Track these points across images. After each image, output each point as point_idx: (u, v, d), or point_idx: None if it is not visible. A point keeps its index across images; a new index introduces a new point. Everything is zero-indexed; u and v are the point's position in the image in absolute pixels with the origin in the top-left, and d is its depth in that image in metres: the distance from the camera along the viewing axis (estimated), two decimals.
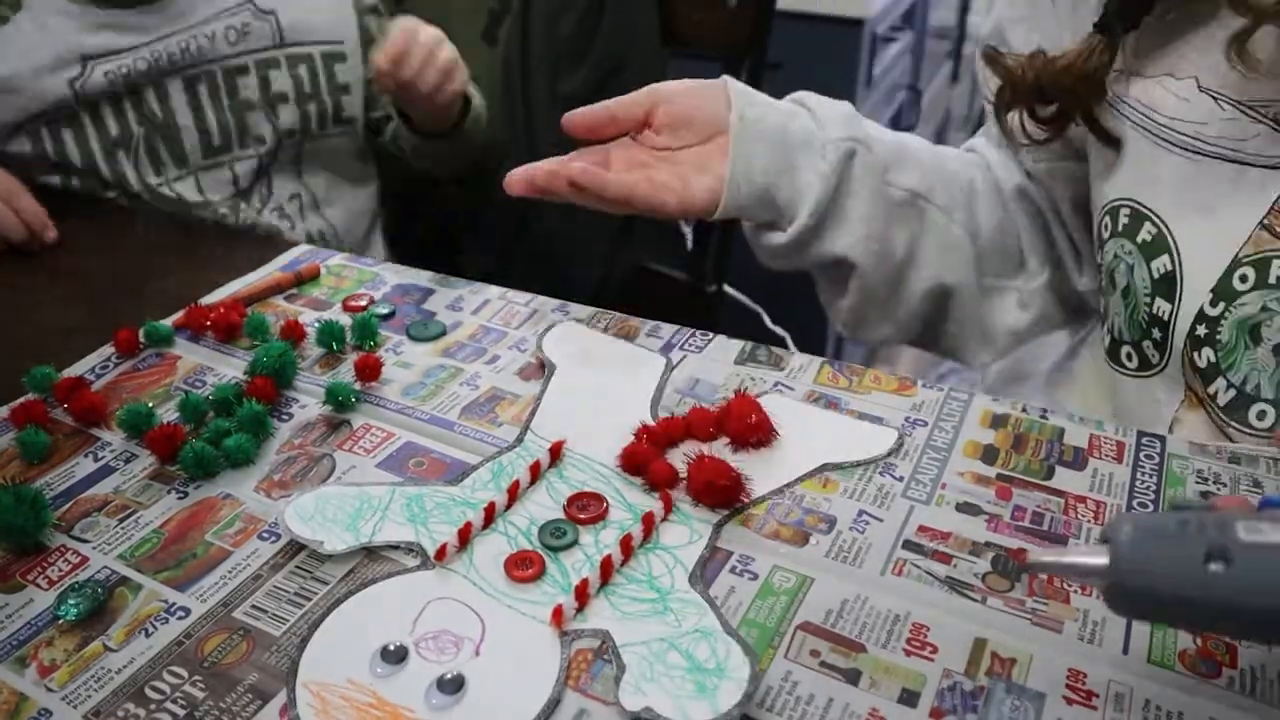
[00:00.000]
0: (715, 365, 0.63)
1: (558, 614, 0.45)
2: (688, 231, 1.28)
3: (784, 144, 0.69)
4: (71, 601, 0.47)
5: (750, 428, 0.56)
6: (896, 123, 2.02)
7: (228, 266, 0.76)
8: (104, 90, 0.95)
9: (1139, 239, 0.62)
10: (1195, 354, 0.60)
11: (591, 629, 0.45)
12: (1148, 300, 0.62)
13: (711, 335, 0.66)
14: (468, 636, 0.44)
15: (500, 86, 1.18)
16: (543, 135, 1.17)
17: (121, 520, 0.52)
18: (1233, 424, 0.59)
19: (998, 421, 0.58)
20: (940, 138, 2.72)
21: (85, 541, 0.51)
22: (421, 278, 0.74)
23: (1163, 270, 0.61)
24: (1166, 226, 0.61)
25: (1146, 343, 0.63)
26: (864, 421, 0.58)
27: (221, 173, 1.02)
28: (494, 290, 0.72)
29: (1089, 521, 0.51)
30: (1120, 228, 0.64)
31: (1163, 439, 0.57)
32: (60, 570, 0.49)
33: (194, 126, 1.00)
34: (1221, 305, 0.58)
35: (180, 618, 0.46)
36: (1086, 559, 0.39)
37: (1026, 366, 0.84)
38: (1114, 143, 0.64)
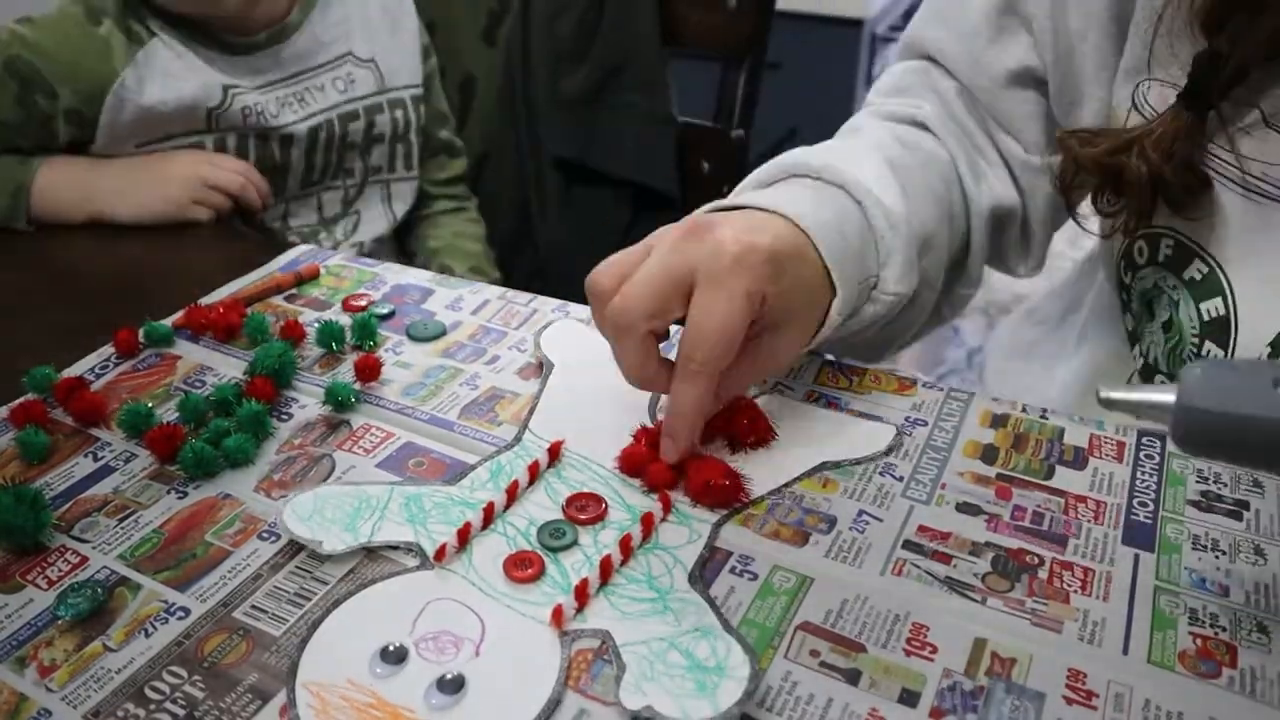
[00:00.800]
0: None
1: (558, 614, 0.45)
2: None
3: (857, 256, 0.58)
4: (71, 601, 0.47)
5: (748, 428, 0.56)
6: None
7: (227, 266, 0.76)
8: (236, 125, 0.98)
9: (1185, 275, 0.59)
10: None
11: (591, 629, 0.45)
12: (1195, 341, 0.59)
13: None
14: (468, 637, 0.44)
15: (500, 87, 1.18)
16: (544, 135, 1.17)
17: (121, 520, 0.52)
18: None
19: (998, 421, 0.58)
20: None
21: (85, 541, 0.51)
22: (422, 278, 0.74)
23: (1215, 313, 0.58)
24: (1222, 269, 0.58)
25: None
26: (860, 420, 0.58)
27: (309, 201, 1.05)
28: (494, 290, 0.72)
29: (1089, 521, 0.51)
30: (1161, 258, 0.61)
31: (1163, 438, 0.57)
32: (60, 570, 0.49)
33: (303, 167, 1.03)
34: None
35: (180, 618, 0.46)
36: (1157, 395, 0.41)
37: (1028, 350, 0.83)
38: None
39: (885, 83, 0.77)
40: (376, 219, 1.10)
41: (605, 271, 0.52)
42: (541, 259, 1.21)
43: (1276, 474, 0.47)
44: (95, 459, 0.56)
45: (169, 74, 0.93)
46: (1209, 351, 0.59)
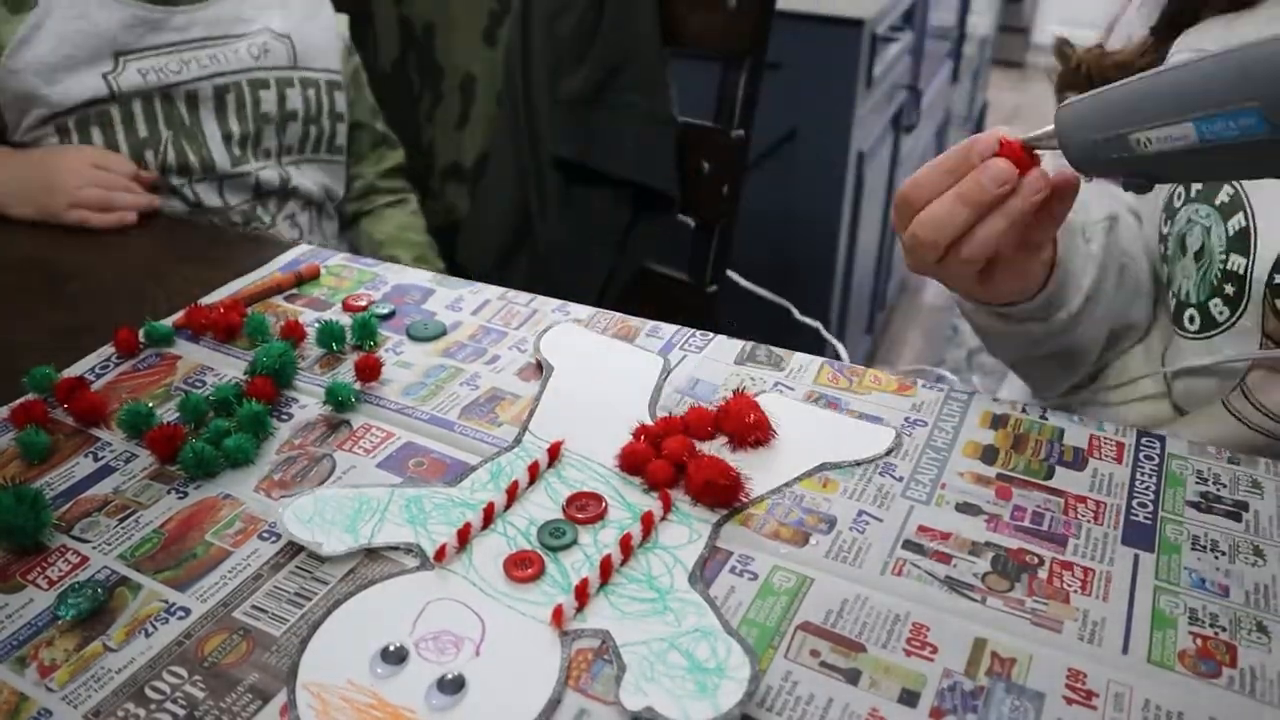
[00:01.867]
0: (715, 365, 0.63)
1: (558, 614, 0.45)
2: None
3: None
4: (71, 601, 0.47)
5: (748, 427, 0.56)
6: (896, 123, 2.01)
7: (227, 266, 0.76)
8: (137, 88, 0.96)
9: (1217, 201, 0.64)
10: (1277, 300, 0.60)
11: (591, 629, 0.45)
12: (1223, 257, 0.63)
13: (712, 335, 0.66)
14: (468, 637, 0.44)
15: (500, 87, 1.18)
16: (544, 135, 1.17)
17: (122, 520, 0.52)
18: None
19: (997, 422, 0.58)
20: (940, 138, 2.71)
21: (85, 541, 0.51)
22: (422, 278, 0.74)
23: (1238, 227, 0.62)
24: (1243, 189, 0.62)
25: (1215, 300, 0.64)
26: (862, 421, 0.58)
27: (244, 180, 1.04)
28: (494, 290, 0.72)
29: (1089, 521, 0.51)
30: (1194, 193, 0.66)
31: (1162, 439, 0.57)
32: (60, 570, 0.49)
33: (219, 133, 1.02)
34: None
35: (180, 618, 0.46)
36: (1041, 129, 0.51)
37: None
38: None
39: None
40: (301, 196, 1.09)
41: None
42: (542, 259, 1.21)
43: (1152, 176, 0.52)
44: (96, 459, 0.56)
45: (61, 35, 0.93)
46: (1235, 265, 0.62)
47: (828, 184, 1.70)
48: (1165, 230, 0.70)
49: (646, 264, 1.19)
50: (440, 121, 1.24)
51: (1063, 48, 0.71)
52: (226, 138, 1.02)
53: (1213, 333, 0.64)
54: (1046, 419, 0.59)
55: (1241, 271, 0.62)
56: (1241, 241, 0.62)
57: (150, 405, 0.58)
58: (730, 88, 1.07)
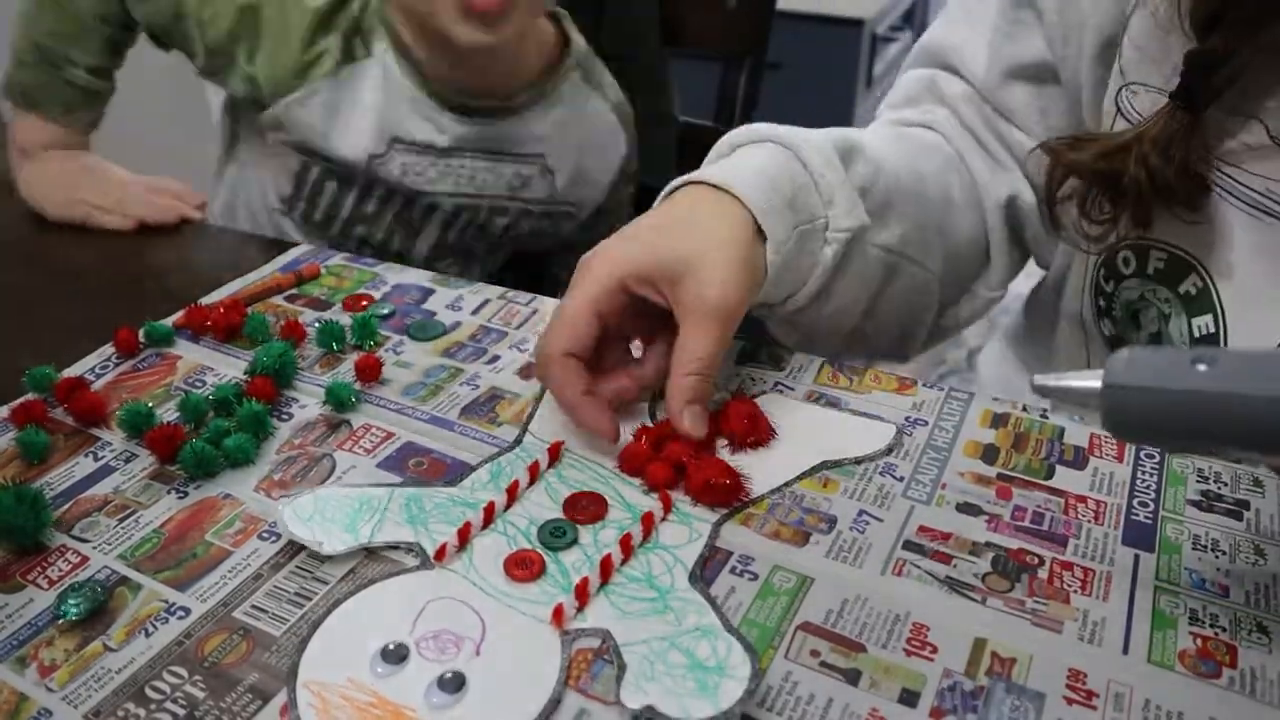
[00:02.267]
0: None
1: (558, 613, 0.45)
2: None
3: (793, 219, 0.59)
4: (72, 601, 0.47)
5: (748, 427, 0.56)
6: None
7: (229, 266, 0.76)
8: (387, 180, 0.94)
9: (1181, 290, 0.58)
10: None
11: (592, 628, 0.45)
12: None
13: None
14: (468, 636, 0.44)
15: None
16: None
17: (122, 520, 0.52)
18: None
19: (998, 421, 0.58)
20: None
21: (85, 541, 0.51)
22: (422, 278, 0.74)
23: (1205, 330, 0.57)
24: (1214, 284, 0.57)
25: None
26: (861, 419, 0.58)
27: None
28: (494, 290, 0.72)
29: (1089, 521, 0.51)
30: (1151, 270, 0.60)
31: None
32: (60, 570, 0.49)
33: (433, 240, 1.00)
34: None
35: (180, 617, 0.46)
36: (1086, 381, 0.41)
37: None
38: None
39: (895, 95, 0.78)
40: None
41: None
42: (538, 264, 1.21)
43: (1203, 453, 0.48)
44: (95, 459, 0.56)
45: (356, 105, 0.91)
46: None
47: None
48: (1109, 288, 0.64)
49: None
50: None
51: (1058, 149, 0.60)
52: (436, 246, 1.00)
53: None
54: (1048, 418, 0.59)
55: None
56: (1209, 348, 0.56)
57: (150, 405, 0.58)
58: (731, 87, 1.08)
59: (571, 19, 1.10)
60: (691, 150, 1.11)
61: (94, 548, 0.50)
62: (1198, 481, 0.54)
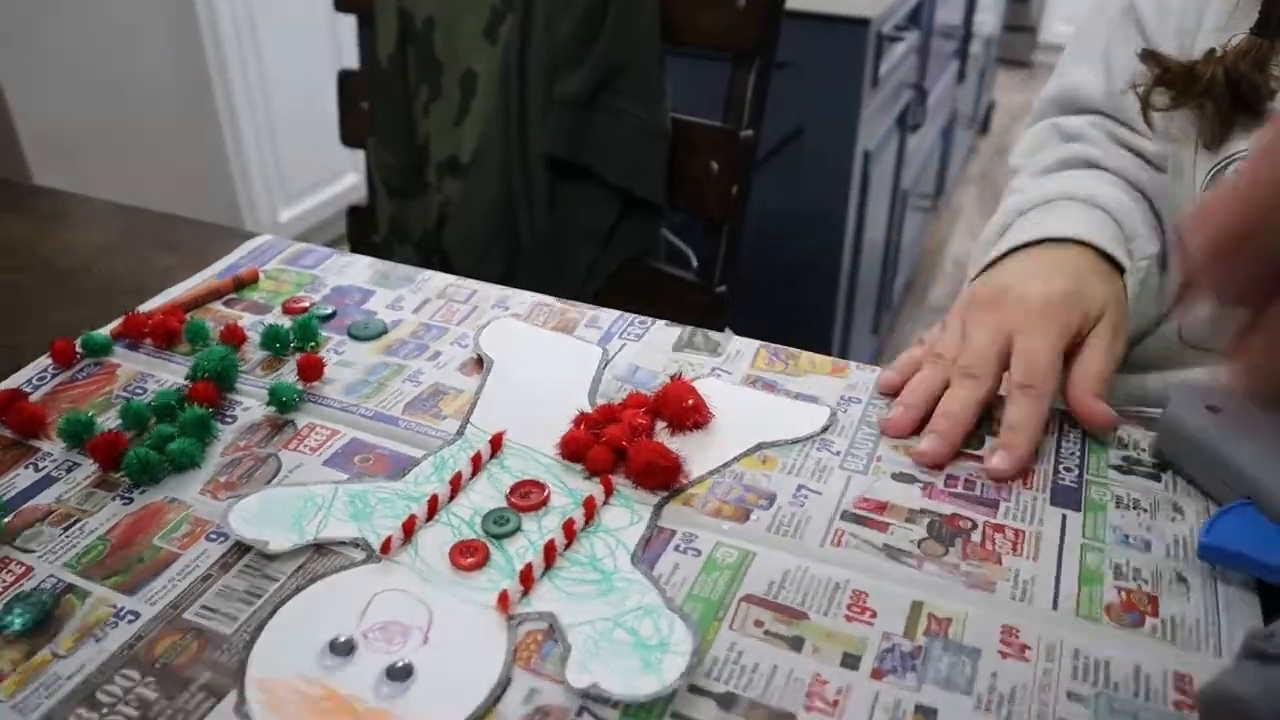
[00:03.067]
0: (654, 352, 0.65)
1: (503, 599, 0.46)
2: (689, 251, 1.27)
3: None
4: (17, 612, 0.47)
5: (687, 410, 0.57)
6: (902, 122, 2.02)
7: (183, 265, 0.76)
8: None
9: None
10: None
11: (537, 611, 0.46)
12: None
13: (650, 323, 0.67)
14: (415, 625, 0.45)
15: (498, 85, 1.16)
16: (534, 135, 1.15)
17: (66, 529, 0.52)
18: None
19: None
20: (946, 137, 2.74)
21: (30, 552, 0.50)
22: (361, 278, 0.74)
23: None
24: None
25: None
26: (798, 401, 0.60)
27: None
28: (434, 287, 0.73)
29: (1019, 485, 0.53)
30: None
31: None
32: (3, 582, 0.49)
33: None
34: None
35: (130, 621, 0.46)
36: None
37: None
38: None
39: (1024, 147, 0.81)
40: None
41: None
42: (522, 252, 1.20)
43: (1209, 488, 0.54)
44: (36, 469, 0.56)
45: None
46: None
47: (833, 183, 1.71)
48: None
49: (655, 264, 1.18)
50: (437, 116, 1.22)
51: (1152, 56, 0.67)
52: None
53: None
54: None
55: None
56: None
57: (90, 414, 0.58)
58: (739, 87, 1.05)
59: (571, 20, 1.07)
60: (700, 151, 1.10)
61: (39, 557, 0.50)
62: (1118, 449, 0.56)
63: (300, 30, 2.37)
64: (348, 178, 2.63)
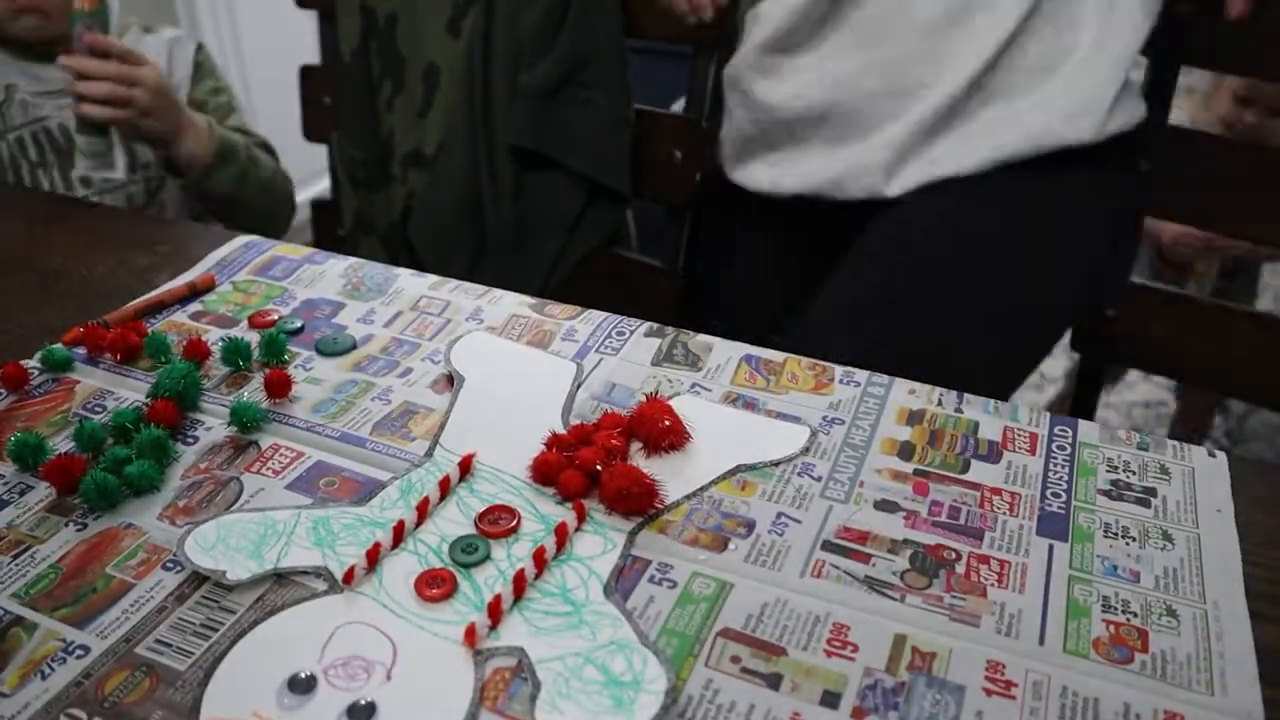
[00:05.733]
0: (631, 368, 0.63)
1: (470, 633, 0.44)
2: (632, 229, 1.29)
3: None
4: None
5: (662, 431, 0.55)
6: None
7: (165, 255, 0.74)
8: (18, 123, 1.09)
9: None
10: None
11: (505, 646, 0.44)
12: None
13: (628, 334, 0.66)
14: (378, 661, 0.43)
15: (462, 78, 1.17)
16: (499, 127, 1.16)
17: (16, 556, 0.50)
18: None
19: (914, 418, 0.59)
20: None
21: None
22: (332, 289, 0.72)
23: None
24: None
25: None
26: (778, 421, 0.58)
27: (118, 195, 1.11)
28: (406, 299, 0.70)
29: (1004, 513, 0.52)
30: None
31: (1074, 426, 0.58)
32: None
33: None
34: None
35: (79, 656, 0.44)
36: None
37: None
38: None
39: None
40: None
41: None
42: (488, 245, 1.20)
43: None
44: None
45: None
46: None
47: None
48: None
49: (620, 251, 1.19)
50: (401, 110, 1.23)
51: None
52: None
53: None
54: (962, 412, 0.59)
55: None
56: None
57: (41, 435, 0.56)
58: (701, 77, 1.08)
59: (536, 13, 1.09)
60: (663, 140, 1.12)
61: None
62: (1107, 471, 0.55)
63: (280, 30, 2.34)
64: (327, 178, 2.60)
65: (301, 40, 2.40)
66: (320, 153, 1.37)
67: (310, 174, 2.54)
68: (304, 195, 2.56)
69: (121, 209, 1.07)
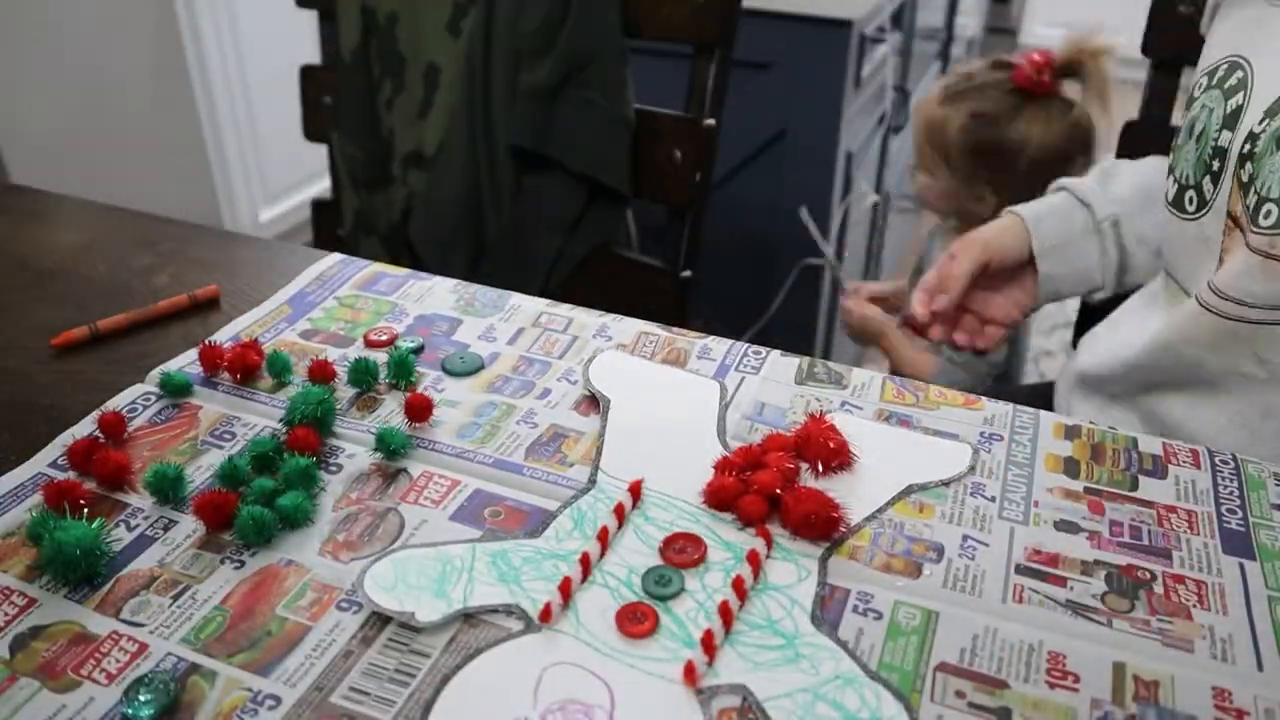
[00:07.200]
0: (776, 386, 0.61)
1: (690, 671, 0.42)
2: (632, 229, 1.28)
3: (1071, 244, 0.85)
4: (142, 699, 0.42)
5: (831, 452, 0.54)
6: (884, 124, 2.03)
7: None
8: None
9: (1227, 85, 0.67)
10: (1240, 171, 0.63)
11: (726, 684, 0.42)
12: (1216, 134, 0.66)
13: (765, 353, 0.64)
14: (597, 704, 0.41)
15: (462, 78, 1.15)
16: (499, 127, 1.15)
17: (176, 598, 0.47)
18: (1251, 229, 0.61)
19: (1071, 433, 0.58)
20: None
21: (139, 625, 0.46)
22: (445, 305, 0.69)
23: (1235, 105, 0.65)
24: (1251, 67, 0.66)
25: (1206, 179, 0.67)
26: (937, 438, 0.57)
27: None
28: (526, 316, 0.68)
29: (1185, 531, 0.51)
30: (1216, 80, 0.69)
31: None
32: (118, 661, 0.44)
33: None
34: (1266, 121, 0.62)
35: (271, 707, 0.42)
36: None
37: None
38: None
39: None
40: None
41: None
42: (488, 245, 1.19)
43: None
44: (129, 528, 0.51)
45: None
46: (1222, 140, 0.66)
47: (816, 184, 1.70)
48: (1182, 118, 0.74)
49: (617, 250, 1.18)
50: (401, 110, 1.21)
51: None
52: None
53: (1202, 212, 0.68)
54: (1116, 428, 0.58)
55: (1226, 145, 0.65)
56: (1234, 117, 0.65)
57: (179, 466, 0.53)
58: (701, 77, 1.07)
59: (537, 14, 1.07)
60: (664, 140, 1.11)
61: (150, 632, 0.45)
62: (1275, 484, 0.54)
63: (281, 30, 2.29)
64: (327, 178, 2.56)
65: (301, 40, 2.36)
66: (320, 153, 1.35)
67: (310, 174, 2.51)
68: (304, 195, 2.53)
69: (121, 208, 1.01)
